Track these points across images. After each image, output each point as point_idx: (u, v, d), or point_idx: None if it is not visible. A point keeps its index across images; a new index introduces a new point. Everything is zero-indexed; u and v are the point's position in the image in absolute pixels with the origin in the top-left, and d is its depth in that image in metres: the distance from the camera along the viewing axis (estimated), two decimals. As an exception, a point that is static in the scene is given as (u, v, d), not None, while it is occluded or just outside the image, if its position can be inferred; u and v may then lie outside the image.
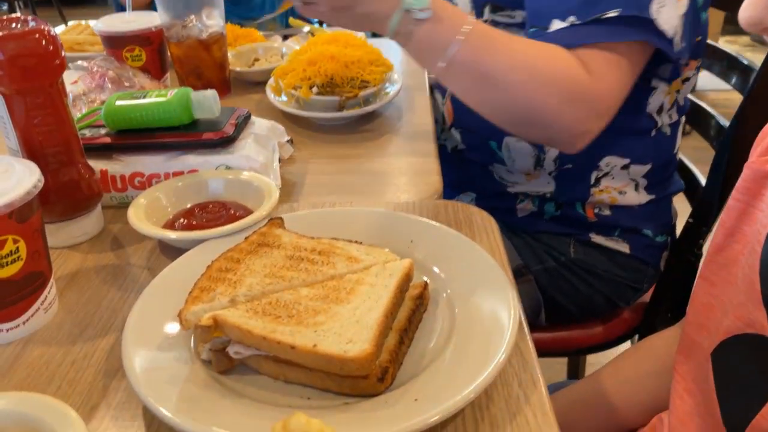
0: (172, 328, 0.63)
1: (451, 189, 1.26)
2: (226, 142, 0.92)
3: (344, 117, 1.18)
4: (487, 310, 0.62)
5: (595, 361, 1.92)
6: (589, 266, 1.18)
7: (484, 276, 0.66)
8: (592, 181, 1.13)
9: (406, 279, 0.65)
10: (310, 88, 1.20)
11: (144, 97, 0.94)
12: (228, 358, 0.58)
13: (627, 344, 1.59)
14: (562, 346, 1.32)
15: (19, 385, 0.62)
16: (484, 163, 1.19)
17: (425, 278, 0.69)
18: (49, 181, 0.75)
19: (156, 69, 1.29)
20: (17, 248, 0.65)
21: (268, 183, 0.86)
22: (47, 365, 0.65)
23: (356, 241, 0.72)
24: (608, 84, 0.88)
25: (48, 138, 0.77)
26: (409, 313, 0.63)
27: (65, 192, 0.80)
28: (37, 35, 0.72)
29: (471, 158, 1.22)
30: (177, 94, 0.93)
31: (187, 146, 0.92)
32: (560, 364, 1.93)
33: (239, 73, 1.39)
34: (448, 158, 1.21)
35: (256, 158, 0.92)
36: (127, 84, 1.18)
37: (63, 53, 0.75)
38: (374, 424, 0.51)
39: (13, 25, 0.72)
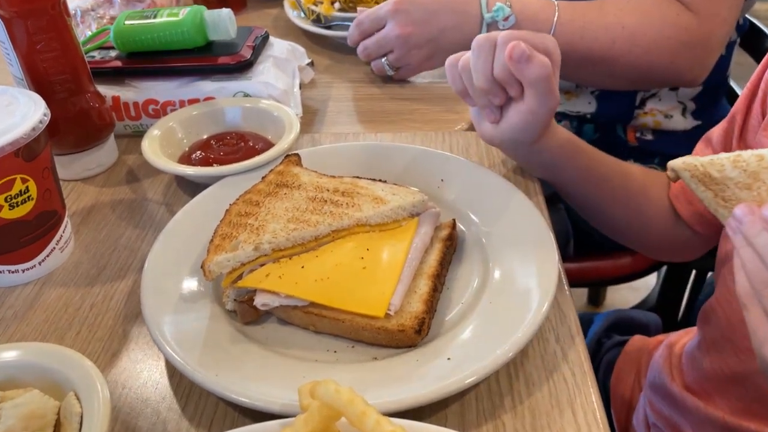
0: (193, 276, 0.60)
1: None
2: (243, 67, 0.86)
3: (368, 36, 1.10)
4: (524, 260, 0.58)
5: (616, 288, 1.91)
6: None
7: (523, 223, 0.62)
8: (638, 102, 1.06)
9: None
10: (332, 3, 1.11)
11: (155, 16, 0.87)
12: (254, 308, 0.56)
13: (653, 276, 1.56)
14: (588, 277, 1.29)
15: (39, 329, 0.61)
16: None
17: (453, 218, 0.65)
18: (57, 111, 0.70)
19: (167, -18, 1.21)
20: (27, 188, 0.61)
21: (288, 113, 0.81)
22: (66, 308, 0.63)
23: (380, 180, 0.68)
24: (718, 19, 0.83)
25: (53, 65, 0.72)
26: (440, 255, 0.60)
27: (75, 122, 0.76)
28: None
29: None
30: (190, 14, 0.86)
31: (203, 71, 0.86)
32: (580, 293, 1.92)
33: (255, -14, 1.30)
34: None
35: (275, 84, 0.86)
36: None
37: (63, -30, 0.68)
38: (407, 386, 0.48)
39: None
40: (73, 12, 1.05)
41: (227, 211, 0.62)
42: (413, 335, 0.52)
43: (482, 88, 0.62)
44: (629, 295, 1.87)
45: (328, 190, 0.64)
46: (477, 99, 0.65)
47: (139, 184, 0.80)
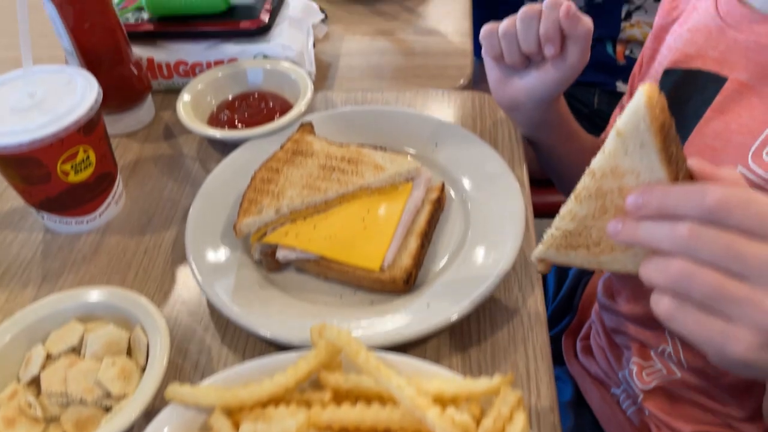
0: (227, 233, 0.73)
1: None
2: (262, 31, 0.95)
3: (379, -13, 1.17)
4: (499, 223, 0.70)
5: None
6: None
7: (503, 192, 0.73)
8: (623, 15, 1.14)
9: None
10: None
11: (181, -19, 0.96)
12: (276, 260, 0.69)
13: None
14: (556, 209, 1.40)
15: (104, 270, 0.75)
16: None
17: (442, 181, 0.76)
18: (104, 80, 0.81)
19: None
20: (87, 156, 0.74)
21: (303, 77, 0.91)
22: (124, 253, 0.77)
23: (380, 147, 0.79)
24: None
25: (100, 41, 0.82)
26: (429, 216, 0.72)
27: (119, 89, 0.87)
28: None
29: None
30: (213, -20, 0.95)
31: (226, 35, 0.96)
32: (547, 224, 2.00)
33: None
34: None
35: (291, 46, 0.95)
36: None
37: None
38: (394, 326, 0.62)
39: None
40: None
41: (252, 177, 0.75)
42: (402, 285, 0.66)
43: (527, 49, 0.73)
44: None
45: (336, 158, 0.76)
46: (511, 58, 0.75)
47: (175, 140, 0.92)
